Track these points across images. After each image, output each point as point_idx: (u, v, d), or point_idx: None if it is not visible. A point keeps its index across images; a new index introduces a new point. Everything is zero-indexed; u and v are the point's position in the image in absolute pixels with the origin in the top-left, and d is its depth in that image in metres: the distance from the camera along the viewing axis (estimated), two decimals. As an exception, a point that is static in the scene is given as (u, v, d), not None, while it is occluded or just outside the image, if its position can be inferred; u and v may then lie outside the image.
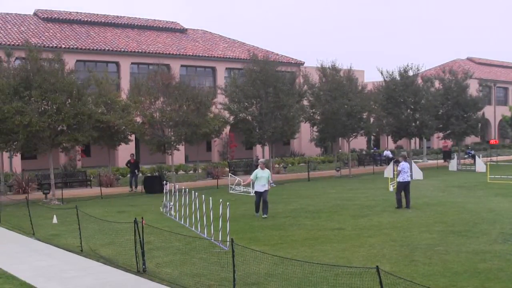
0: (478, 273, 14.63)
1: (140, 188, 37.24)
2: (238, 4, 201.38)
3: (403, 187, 26.92)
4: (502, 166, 50.19)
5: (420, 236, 19.72)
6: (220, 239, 18.16)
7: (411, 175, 41.53)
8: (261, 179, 24.98)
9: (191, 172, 48.09)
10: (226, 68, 59.70)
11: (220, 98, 44.03)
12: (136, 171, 38.41)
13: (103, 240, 19.95)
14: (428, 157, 64.08)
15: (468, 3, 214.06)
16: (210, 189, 35.90)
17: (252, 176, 25.36)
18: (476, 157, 52.46)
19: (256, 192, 25.44)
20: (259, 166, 25.88)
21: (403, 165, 27.53)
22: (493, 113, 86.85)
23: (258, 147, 50.05)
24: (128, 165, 39.48)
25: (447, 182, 38.87)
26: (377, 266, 10.26)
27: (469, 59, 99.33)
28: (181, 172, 47.65)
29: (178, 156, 47.62)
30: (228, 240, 16.11)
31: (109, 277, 15.13)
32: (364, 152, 63.75)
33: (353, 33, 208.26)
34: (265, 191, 24.88)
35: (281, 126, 41.24)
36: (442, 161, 60.73)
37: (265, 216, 24.35)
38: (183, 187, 24.47)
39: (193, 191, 22.41)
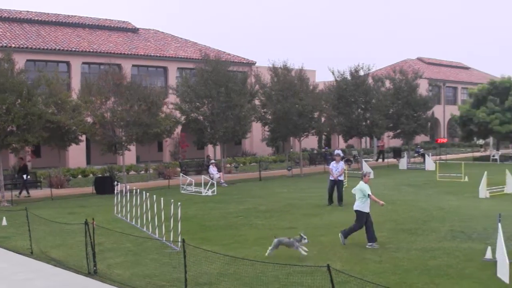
0: (428, 270, 14.87)
1: (24, 193, 36.18)
2: (189, 4, 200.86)
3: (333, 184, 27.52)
4: (451, 164, 50.84)
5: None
6: (171, 240, 18.11)
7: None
8: None
9: (143, 172, 47.84)
10: (178, 68, 59.51)
11: (172, 98, 43.88)
12: (24, 176, 36.35)
13: (54, 242, 19.76)
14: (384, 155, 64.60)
15: (417, 3, 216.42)
16: (161, 190, 35.73)
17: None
18: (426, 155, 53.09)
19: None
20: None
21: (333, 164, 28.11)
22: (442, 112, 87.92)
23: (210, 147, 50.01)
24: (17, 169, 38.54)
25: (397, 181, 39.27)
26: (328, 265, 10.34)
27: (419, 59, 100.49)
28: (132, 172, 47.40)
29: (129, 156, 47.34)
30: (179, 240, 16.09)
31: (60, 279, 15.01)
32: (315, 152, 64.07)
33: (305, 33, 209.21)
34: None
35: (233, 126, 41.32)
36: (383, 159, 61.44)
37: None
38: (134, 188, 24.33)
39: (144, 192, 22.31)
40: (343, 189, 28.12)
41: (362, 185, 18.43)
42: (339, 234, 18.50)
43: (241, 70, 50.04)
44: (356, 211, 18.40)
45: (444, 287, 13.45)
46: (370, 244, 17.81)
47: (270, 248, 16.57)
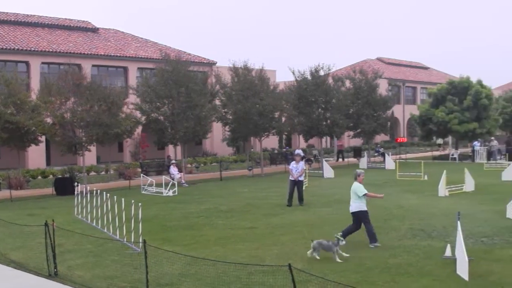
0: (388, 268, 15.01)
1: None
2: (149, 4, 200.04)
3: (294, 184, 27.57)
4: (411, 163, 51.28)
5: (331, 233, 19.92)
6: (132, 241, 18.05)
7: (323, 174, 42.32)
8: None
9: (103, 173, 47.52)
10: (138, 68, 59.26)
11: (132, 98, 43.64)
12: None
13: (14, 244, 19.54)
14: (343, 155, 64.88)
15: (376, 3, 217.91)
16: (122, 190, 35.54)
17: None
18: (386, 155, 53.52)
19: None
20: None
21: (293, 164, 28.12)
22: (402, 112, 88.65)
23: (170, 147, 49.83)
24: None
25: (358, 180, 39.45)
26: (289, 264, 10.40)
27: (379, 59, 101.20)
28: (92, 173, 47.05)
29: (89, 157, 47.00)
30: (140, 241, 16.05)
31: (20, 281, 14.89)
32: (276, 151, 64.19)
33: (265, 33, 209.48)
34: None
35: (193, 126, 41.25)
36: (343, 159, 61.84)
37: None
38: (94, 189, 24.20)
39: (104, 192, 22.19)
40: (303, 188, 28.26)
41: (356, 186, 18.51)
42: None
43: (201, 70, 49.99)
44: (353, 213, 18.24)
45: (404, 285, 13.59)
46: (373, 244, 17.82)
47: (310, 251, 16.28)
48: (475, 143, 60.60)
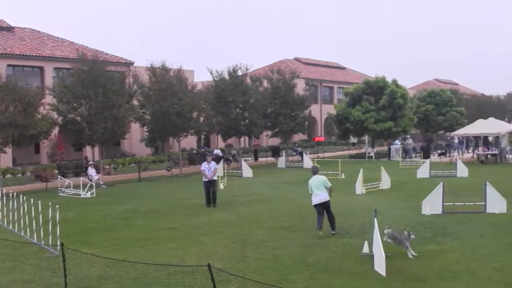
0: (307, 266, 15.22)
1: None
2: (66, 3, 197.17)
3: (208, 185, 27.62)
4: (328, 162, 51.87)
5: (251, 232, 20.20)
6: (50, 244, 17.81)
7: (241, 173, 42.50)
8: None
9: (20, 175, 46.56)
10: (55, 68, 58.25)
11: (49, 98, 42.88)
12: None
13: None
14: (258, 154, 65.11)
15: (293, 4, 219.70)
16: (39, 193, 34.99)
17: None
18: (304, 154, 54.02)
19: None
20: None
21: (204, 165, 28.10)
22: (319, 111, 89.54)
23: (88, 148, 49.24)
24: None
25: (276, 179, 39.84)
26: (209, 264, 10.48)
27: (296, 59, 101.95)
28: (8, 175, 46.00)
29: (5, 159, 45.90)
30: (58, 244, 15.87)
31: None
32: (194, 151, 64.06)
33: (183, 33, 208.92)
34: None
35: (111, 127, 40.87)
36: (257, 159, 62.17)
37: None
38: (10, 192, 23.83)
39: (21, 195, 21.87)
40: (222, 188, 28.31)
41: (323, 178, 19.89)
42: (332, 232, 19.44)
43: (119, 70, 49.49)
44: (325, 202, 19.56)
45: (323, 282, 13.80)
46: (335, 231, 19.46)
47: (385, 237, 16.45)
48: (396, 141, 61.80)
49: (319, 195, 19.57)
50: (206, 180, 27.51)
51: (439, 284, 13.47)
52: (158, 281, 13.76)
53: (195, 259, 16.20)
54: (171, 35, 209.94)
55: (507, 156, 52.01)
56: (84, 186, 34.05)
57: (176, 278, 13.83)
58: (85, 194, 33.46)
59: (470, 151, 62.13)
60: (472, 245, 17.21)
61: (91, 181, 36.15)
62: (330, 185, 19.86)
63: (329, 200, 19.66)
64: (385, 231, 16.70)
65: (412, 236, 16.41)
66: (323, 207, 19.60)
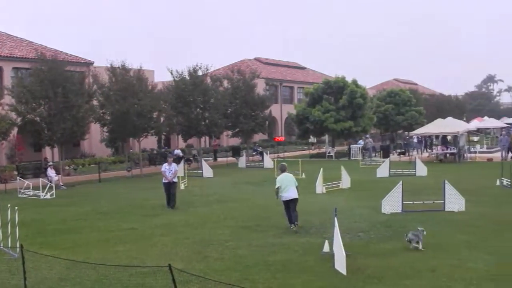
0: (269, 265, 15.29)
1: None
2: (25, 2, 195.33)
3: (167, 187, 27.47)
4: (289, 161, 51.82)
5: (212, 232, 20.22)
6: (9, 246, 17.64)
7: (202, 173, 42.45)
8: None
9: (-23, 176, 46.10)
10: (13, 68, 57.54)
11: (7, 99, 42.46)
12: None
13: None
14: (219, 154, 65.12)
15: (253, 4, 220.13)
16: (-3, 194, 34.72)
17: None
18: (264, 154, 54.14)
19: None
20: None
21: (165, 166, 27.88)
22: (279, 111, 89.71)
23: (48, 149, 48.88)
24: None
25: (237, 179, 39.88)
26: (170, 264, 10.48)
27: (257, 59, 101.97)
28: (-35, 177, 45.58)
29: (-39, 160, 45.56)
30: (17, 246, 15.73)
31: None
32: (155, 152, 63.79)
33: (143, 33, 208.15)
34: None
35: (71, 127, 40.60)
36: (215, 159, 62.17)
37: None
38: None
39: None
40: (183, 188, 28.24)
41: (292, 176, 21.18)
42: (292, 226, 20.30)
43: (78, 70, 49.13)
44: (296, 199, 20.61)
45: (284, 281, 13.88)
46: (295, 224, 20.25)
47: (412, 246, 16.91)
48: (360, 141, 62.21)
49: (290, 192, 20.48)
50: (166, 181, 27.36)
51: (400, 282, 13.62)
52: (119, 282, 13.72)
53: (156, 259, 16.18)
54: (131, 35, 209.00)
55: (465, 155, 52.65)
56: (44, 187, 33.74)
57: (137, 279, 13.81)
58: (44, 196, 33.18)
59: (429, 150, 62.73)
60: (431, 242, 17.40)
61: (50, 182, 35.84)
62: (296, 184, 20.82)
63: (297, 197, 20.56)
64: (407, 238, 17.12)
65: (424, 232, 17.09)
66: (292, 204, 20.42)
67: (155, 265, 14.83)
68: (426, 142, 64.59)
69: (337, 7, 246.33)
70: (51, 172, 38.96)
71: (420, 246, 16.65)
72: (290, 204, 20.52)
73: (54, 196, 33.11)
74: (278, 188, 20.59)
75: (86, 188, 38.19)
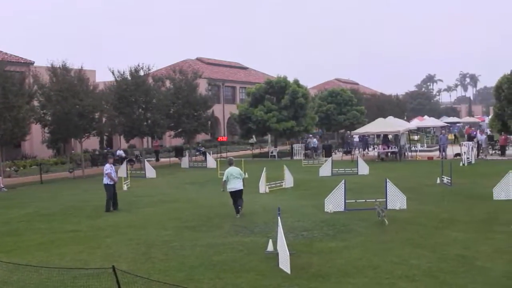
0: (213, 265, 15.35)
1: None
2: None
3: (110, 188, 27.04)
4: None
5: (156, 233, 20.20)
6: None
7: (145, 174, 42.31)
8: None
9: None
10: (-51, 69, 56.65)
11: None
12: None
13: None
14: (161, 155, 64.93)
15: (196, 6, 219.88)
16: None
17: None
18: (207, 154, 54.20)
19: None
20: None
21: (110, 167, 27.31)
22: (222, 111, 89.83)
23: (-13, 150, 48.17)
24: None
25: (180, 179, 39.85)
26: (113, 266, 10.49)
27: (199, 59, 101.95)
28: None
29: None
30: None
31: None
32: (97, 152, 63.32)
33: (84, 33, 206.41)
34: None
35: (11, 128, 40.04)
36: (158, 159, 62.00)
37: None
38: None
39: None
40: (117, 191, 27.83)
41: (238, 169, 23.80)
42: (238, 216, 22.91)
43: (18, 70, 48.53)
44: (241, 190, 23.38)
45: (229, 281, 13.95)
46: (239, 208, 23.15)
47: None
48: (315, 140, 62.57)
49: (236, 184, 23.20)
50: (112, 183, 26.82)
51: (343, 280, 13.79)
52: (62, 285, 13.65)
53: (100, 261, 16.12)
54: (72, 36, 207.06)
55: (406, 153, 53.48)
56: (-17, 189, 33.33)
57: (81, 281, 13.77)
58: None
59: (370, 149, 63.50)
60: (374, 240, 17.68)
61: (-10, 184, 35.41)
62: (244, 176, 23.96)
63: (243, 189, 23.37)
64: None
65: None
66: (238, 193, 23.17)
67: (99, 266, 14.79)
68: (367, 141, 65.32)
69: (276, 10, 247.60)
70: (-9, 174, 38.46)
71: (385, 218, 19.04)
72: (233, 195, 23.17)
73: (-6, 198, 32.71)
74: (225, 181, 23.03)
75: (28, 190, 37.73)
